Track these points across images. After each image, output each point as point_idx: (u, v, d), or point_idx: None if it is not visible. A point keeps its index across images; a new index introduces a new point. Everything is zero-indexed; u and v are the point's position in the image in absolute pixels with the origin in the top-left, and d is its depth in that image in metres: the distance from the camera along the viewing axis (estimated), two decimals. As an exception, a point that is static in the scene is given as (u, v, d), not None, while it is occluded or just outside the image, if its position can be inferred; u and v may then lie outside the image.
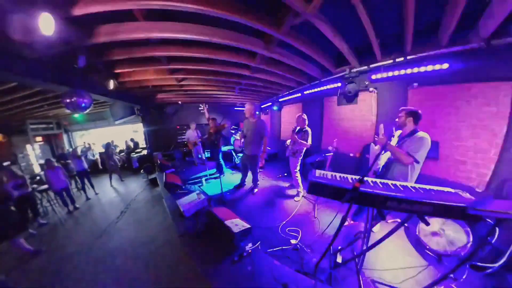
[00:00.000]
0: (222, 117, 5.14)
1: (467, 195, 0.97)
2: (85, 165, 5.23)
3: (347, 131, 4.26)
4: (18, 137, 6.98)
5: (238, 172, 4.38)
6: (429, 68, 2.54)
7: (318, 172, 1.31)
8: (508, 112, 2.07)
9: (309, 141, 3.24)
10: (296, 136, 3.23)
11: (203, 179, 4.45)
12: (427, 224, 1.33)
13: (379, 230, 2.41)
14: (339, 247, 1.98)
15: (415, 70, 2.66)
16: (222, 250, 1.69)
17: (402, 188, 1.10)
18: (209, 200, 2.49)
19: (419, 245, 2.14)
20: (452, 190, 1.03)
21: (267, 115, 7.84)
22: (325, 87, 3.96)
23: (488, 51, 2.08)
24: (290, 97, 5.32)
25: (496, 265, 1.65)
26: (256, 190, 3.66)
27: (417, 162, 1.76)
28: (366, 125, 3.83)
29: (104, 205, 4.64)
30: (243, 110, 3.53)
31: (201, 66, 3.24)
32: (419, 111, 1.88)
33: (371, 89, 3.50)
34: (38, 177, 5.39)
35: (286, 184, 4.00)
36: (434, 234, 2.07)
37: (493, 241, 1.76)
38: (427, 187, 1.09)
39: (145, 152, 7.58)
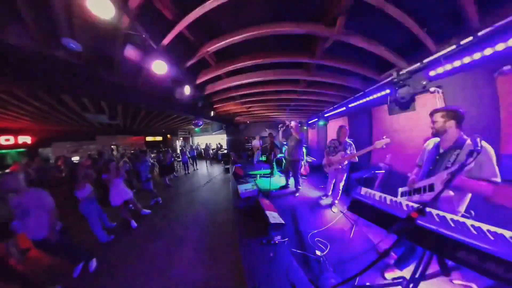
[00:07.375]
0: (276, 132, 5.24)
1: None
2: (195, 153, 7.40)
3: (404, 145, 2.64)
4: (174, 137, 12.12)
5: (286, 175, 4.19)
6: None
7: (364, 190, 0.94)
8: None
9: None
10: (345, 155, 2.41)
11: (258, 175, 4.63)
12: None
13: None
14: (367, 283, 1.21)
15: (499, 47, 1.29)
16: (257, 230, 1.60)
17: (492, 237, 0.52)
18: (259, 192, 2.52)
19: None
20: None
21: (314, 130, 6.85)
22: (371, 97, 2.80)
23: None
24: (334, 112, 4.15)
25: None
26: (297, 194, 3.13)
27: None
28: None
29: (200, 175, 6.07)
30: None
31: (260, 97, 3.58)
32: (461, 110, 1.04)
33: (432, 89, 2.05)
34: (177, 155, 8.23)
35: (328, 201, 2.90)
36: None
37: None
38: None
39: (225, 151, 9.12)
